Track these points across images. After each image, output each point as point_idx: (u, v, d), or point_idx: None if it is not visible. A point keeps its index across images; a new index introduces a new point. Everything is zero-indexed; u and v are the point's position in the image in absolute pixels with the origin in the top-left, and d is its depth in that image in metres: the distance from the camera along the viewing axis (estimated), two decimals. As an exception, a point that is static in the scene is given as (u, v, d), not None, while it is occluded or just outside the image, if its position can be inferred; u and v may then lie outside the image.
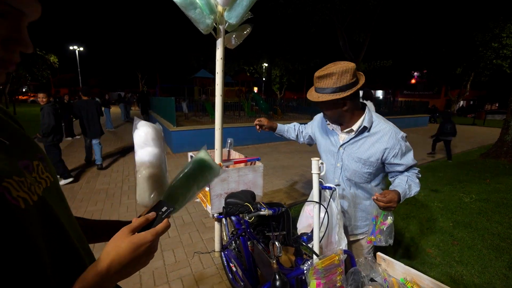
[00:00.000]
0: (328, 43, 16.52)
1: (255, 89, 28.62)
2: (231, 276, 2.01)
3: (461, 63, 18.05)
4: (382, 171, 1.34)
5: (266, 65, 23.90)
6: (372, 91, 5.42)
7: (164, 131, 8.26)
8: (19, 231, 0.39)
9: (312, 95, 1.25)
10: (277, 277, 0.91)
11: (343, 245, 1.18)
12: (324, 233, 1.14)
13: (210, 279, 2.21)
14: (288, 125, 1.84)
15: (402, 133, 1.26)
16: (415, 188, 1.24)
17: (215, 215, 1.83)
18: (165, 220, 0.53)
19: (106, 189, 4.22)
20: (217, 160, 1.91)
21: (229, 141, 2.49)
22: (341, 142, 1.33)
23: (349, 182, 1.35)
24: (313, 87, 1.27)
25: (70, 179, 4.43)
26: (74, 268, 0.48)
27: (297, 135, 1.79)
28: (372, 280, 1.10)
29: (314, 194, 1.01)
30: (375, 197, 1.07)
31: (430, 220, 3.28)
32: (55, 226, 0.47)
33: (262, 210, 0.90)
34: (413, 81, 30.77)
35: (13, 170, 0.41)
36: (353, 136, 1.29)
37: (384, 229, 1.14)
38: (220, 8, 1.55)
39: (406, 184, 1.22)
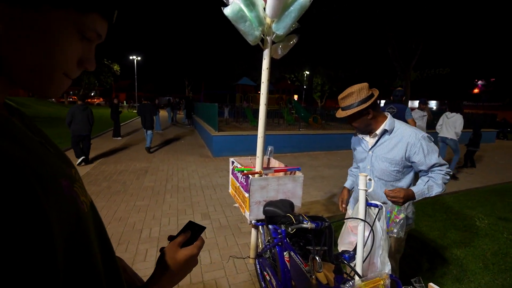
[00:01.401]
0: (374, 50, 15.67)
1: (296, 97, 28.46)
2: (263, 285, 2.00)
3: None
4: (411, 171, 1.51)
5: (307, 73, 23.67)
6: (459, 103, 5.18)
7: (206, 135, 8.68)
8: (87, 234, 0.40)
9: (340, 113, 1.53)
10: None
11: (387, 270, 1.09)
12: (368, 253, 1.07)
13: (243, 285, 2.23)
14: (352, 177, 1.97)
15: (423, 133, 1.43)
16: (436, 189, 1.36)
17: (253, 221, 1.85)
18: (200, 237, 0.62)
19: (152, 186, 4.57)
20: (258, 167, 1.94)
21: (269, 149, 2.50)
22: (370, 147, 1.57)
23: (379, 181, 1.53)
24: (339, 108, 1.56)
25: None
26: (118, 276, 0.49)
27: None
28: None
29: (360, 211, 0.96)
30: (385, 192, 1.29)
31: (497, 254, 2.81)
32: (103, 231, 0.48)
33: (305, 223, 0.88)
34: (476, 90, 27.38)
35: (72, 175, 0.42)
36: (377, 139, 1.51)
37: (397, 221, 1.30)
38: (268, 20, 1.59)
39: (426, 184, 1.36)
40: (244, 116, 12.42)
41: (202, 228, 0.62)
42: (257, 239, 2.10)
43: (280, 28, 1.58)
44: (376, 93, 1.46)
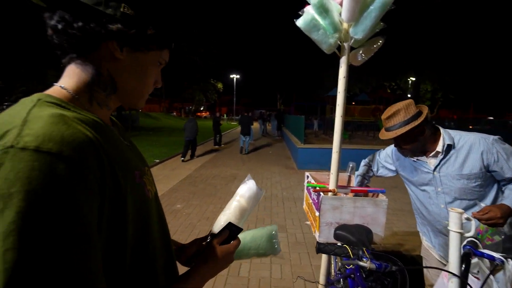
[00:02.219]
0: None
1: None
2: (335, 319, 1.76)
3: None
4: (493, 182, 1.28)
5: (412, 79, 20.30)
6: None
7: (292, 147, 8.72)
8: (149, 213, 0.52)
9: (387, 135, 1.37)
10: None
11: None
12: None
13: (313, 312, 2.04)
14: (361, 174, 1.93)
15: (492, 136, 1.26)
16: None
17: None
18: (237, 237, 0.66)
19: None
20: (332, 185, 1.77)
21: (350, 165, 2.25)
22: (433, 167, 1.35)
23: (461, 202, 1.29)
24: (383, 129, 1.42)
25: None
26: (171, 254, 0.62)
27: (371, 170, 1.91)
28: None
29: (451, 261, 0.71)
30: (473, 215, 1.01)
31: None
32: (163, 216, 0.61)
33: (364, 260, 0.72)
34: None
35: (143, 170, 0.56)
36: (441, 157, 1.32)
37: (489, 245, 1.08)
38: (345, 24, 1.46)
39: None
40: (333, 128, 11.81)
41: (239, 230, 0.67)
42: (329, 264, 1.89)
43: (358, 32, 1.41)
44: (425, 110, 1.31)
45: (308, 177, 2.17)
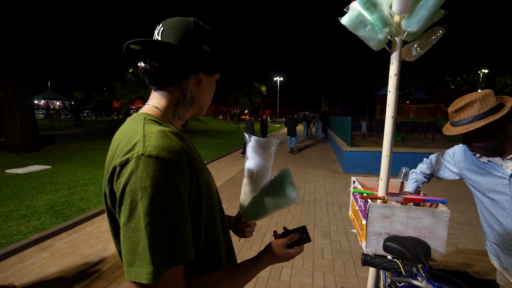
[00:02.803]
0: None
1: (464, 105, 21.66)
2: None
3: None
4: None
5: (485, 71, 17.45)
6: None
7: (338, 150, 8.31)
8: (214, 203, 0.65)
9: (456, 129, 1.18)
10: None
11: None
12: None
13: (359, 328, 1.90)
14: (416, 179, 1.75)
15: None
16: None
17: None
18: (302, 246, 0.71)
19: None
20: (381, 192, 1.63)
21: (403, 170, 2.05)
22: (510, 172, 1.13)
23: None
24: (448, 124, 1.26)
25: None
26: (231, 247, 0.76)
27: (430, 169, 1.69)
28: None
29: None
30: None
31: None
32: (221, 206, 0.73)
33: (419, 279, 0.63)
34: None
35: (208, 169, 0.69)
36: None
37: None
38: (396, 17, 1.33)
39: None
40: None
41: (308, 240, 0.70)
42: (378, 277, 1.74)
43: (412, 24, 1.28)
44: (510, 102, 1.07)
45: (354, 182, 2.04)
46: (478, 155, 1.24)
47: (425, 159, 1.72)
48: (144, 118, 0.59)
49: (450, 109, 1.22)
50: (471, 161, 1.31)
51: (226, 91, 27.93)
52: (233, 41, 23.27)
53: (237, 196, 4.83)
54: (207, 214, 0.61)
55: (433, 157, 1.65)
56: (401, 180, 2.04)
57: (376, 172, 1.75)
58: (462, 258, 2.77)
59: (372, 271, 1.72)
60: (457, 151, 1.45)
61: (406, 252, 1.30)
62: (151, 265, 0.45)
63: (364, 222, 1.58)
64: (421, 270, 0.65)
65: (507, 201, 1.16)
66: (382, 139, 1.61)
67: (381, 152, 1.64)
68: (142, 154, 0.49)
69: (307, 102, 45.21)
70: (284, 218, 3.83)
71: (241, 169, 7.08)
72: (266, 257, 0.68)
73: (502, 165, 1.15)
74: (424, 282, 0.62)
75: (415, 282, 0.62)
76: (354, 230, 1.91)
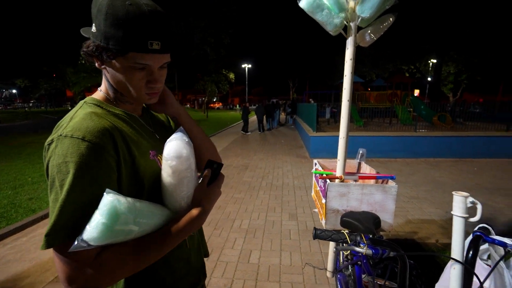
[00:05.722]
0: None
1: (417, 92, 23.71)
2: (344, 305, 1.76)
3: None
4: None
5: (434, 61, 19.12)
6: None
7: (304, 136, 8.60)
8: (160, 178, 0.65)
9: None
10: None
11: None
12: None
13: (321, 298, 2.06)
14: None
15: None
16: None
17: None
18: (221, 173, 0.70)
19: (249, 181, 4.96)
20: (339, 172, 1.74)
21: (360, 152, 2.20)
22: None
23: None
24: None
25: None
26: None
27: None
28: None
29: (454, 248, 0.67)
30: None
31: None
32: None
33: (361, 246, 0.70)
34: None
35: (161, 150, 0.67)
36: None
37: None
38: (351, 3, 1.38)
39: None
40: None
41: (221, 165, 0.69)
42: (338, 251, 1.88)
43: (366, 10, 1.33)
44: None
45: (316, 164, 2.14)
46: None
47: None
48: (85, 102, 0.64)
49: None
50: None
51: (192, 79, 26.91)
52: (199, 25, 22.27)
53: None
54: (150, 192, 0.64)
55: None
56: (358, 160, 2.18)
57: (336, 155, 1.86)
58: (410, 227, 3.11)
59: (332, 246, 1.85)
60: None
61: (360, 225, 1.42)
62: (49, 232, 0.49)
63: (323, 201, 1.67)
64: (363, 238, 0.71)
65: None
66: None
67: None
68: (61, 135, 0.54)
69: (276, 89, 45.68)
70: (253, 204, 3.91)
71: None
72: (193, 211, 0.63)
73: None
74: (365, 248, 0.68)
75: (357, 248, 0.68)
76: (316, 210, 2.02)
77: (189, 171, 0.62)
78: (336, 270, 1.83)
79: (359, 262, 1.48)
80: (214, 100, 45.22)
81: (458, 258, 0.64)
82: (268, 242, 2.88)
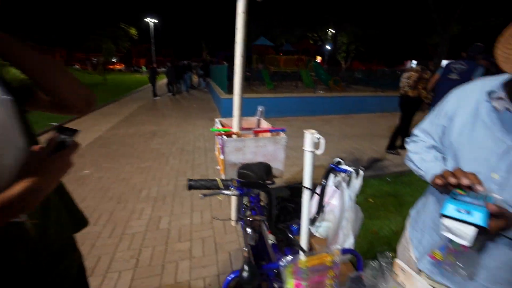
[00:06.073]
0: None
1: (319, 59, 26.54)
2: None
3: None
4: None
5: (332, 31, 21.53)
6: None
7: (217, 98, 8.49)
8: None
9: None
10: (245, 267, 0.76)
11: (348, 243, 0.94)
12: (336, 225, 0.91)
13: (229, 245, 2.23)
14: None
15: None
16: None
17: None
18: (73, 143, 0.57)
19: (158, 149, 4.63)
20: (235, 128, 1.77)
21: (259, 109, 2.29)
22: None
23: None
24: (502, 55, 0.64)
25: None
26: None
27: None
28: (380, 292, 0.85)
29: (305, 178, 0.78)
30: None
31: None
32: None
33: (231, 188, 0.73)
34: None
35: None
36: None
37: (463, 254, 0.67)
38: None
39: None
40: (261, 79, 11.91)
41: (73, 131, 0.57)
42: (240, 201, 2.03)
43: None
44: None
45: (216, 122, 2.12)
46: (498, 97, 0.71)
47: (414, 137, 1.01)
48: None
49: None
50: (477, 109, 0.78)
51: (80, 33, 21.54)
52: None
53: (106, 158, 4.19)
54: None
55: (424, 126, 0.97)
56: (257, 117, 2.28)
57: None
58: (296, 172, 3.67)
59: (233, 200, 1.97)
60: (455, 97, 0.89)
61: (253, 174, 1.52)
62: None
63: (221, 156, 1.70)
64: (234, 182, 0.75)
65: (485, 176, 0.69)
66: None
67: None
68: None
69: (189, 51, 42.28)
70: (162, 171, 3.71)
71: (110, 127, 6.09)
72: (15, 187, 0.48)
73: None
74: (233, 190, 0.71)
75: (224, 191, 0.71)
76: (218, 167, 2.07)
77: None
78: (239, 218, 1.98)
79: (255, 208, 1.63)
80: (114, 60, 38.27)
81: (308, 185, 0.75)
82: (179, 206, 2.85)
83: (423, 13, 12.73)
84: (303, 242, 0.81)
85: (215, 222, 2.53)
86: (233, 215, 1.97)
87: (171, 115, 7.61)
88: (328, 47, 24.32)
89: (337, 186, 1.04)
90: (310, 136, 0.71)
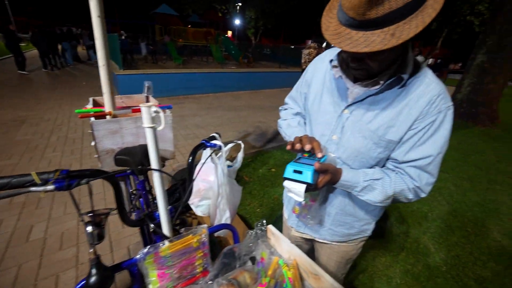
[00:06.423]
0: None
1: (229, 33, 26.07)
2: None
3: (437, 17, 17.73)
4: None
5: (240, 4, 21.26)
6: None
7: (112, 74, 7.26)
8: None
9: (357, 40, 0.56)
10: (93, 271, 0.63)
11: (224, 219, 0.93)
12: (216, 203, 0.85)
13: (127, 240, 2.01)
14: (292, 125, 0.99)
15: (450, 103, 0.69)
16: (378, 190, 0.72)
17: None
18: None
19: (28, 140, 3.64)
20: (108, 107, 1.49)
21: (146, 84, 2.01)
22: (350, 101, 0.76)
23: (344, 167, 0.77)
24: (340, 26, 0.59)
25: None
26: None
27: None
28: (252, 259, 0.89)
29: (151, 158, 0.68)
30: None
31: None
32: None
33: (49, 182, 0.57)
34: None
35: None
36: (375, 91, 0.70)
37: (312, 207, 0.91)
38: None
39: (369, 177, 0.73)
40: (167, 53, 10.80)
41: None
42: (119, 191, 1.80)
43: None
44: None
45: (90, 102, 1.75)
46: (334, 66, 0.78)
47: (286, 105, 1.08)
48: None
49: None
50: (324, 73, 0.86)
51: None
52: None
53: None
54: None
55: (292, 94, 1.03)
56: (145, 94, 2.01)
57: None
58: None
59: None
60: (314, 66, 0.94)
61: (131, 159, 1.34)
62: None
63: (92, 143, 1.42)
64: (57, 174, 0.58)
65: (323, 138, 0.83)
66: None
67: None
68: None
69: (70, 13, 33.85)
70: (33, 168, 2.95)
71: None
72: None
73: (348, 90, 0.77)
74: (50, 184, 0.55)
75: (32, 188, 0.54)
76: (96, 155, 1.75)
77: None
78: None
79: (140, 196, 1.46)
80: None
81: (155, 166, 0.66)
82: (61, 206, 2.36)
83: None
84: (165, 228, 0.74)
85: (110, 217, 2.21)
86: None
87: (49, 97, 6.05)
88: (238, 21, 24.10)
89: (214, 162, 1.00)
90: (146, 110, 0.61)
